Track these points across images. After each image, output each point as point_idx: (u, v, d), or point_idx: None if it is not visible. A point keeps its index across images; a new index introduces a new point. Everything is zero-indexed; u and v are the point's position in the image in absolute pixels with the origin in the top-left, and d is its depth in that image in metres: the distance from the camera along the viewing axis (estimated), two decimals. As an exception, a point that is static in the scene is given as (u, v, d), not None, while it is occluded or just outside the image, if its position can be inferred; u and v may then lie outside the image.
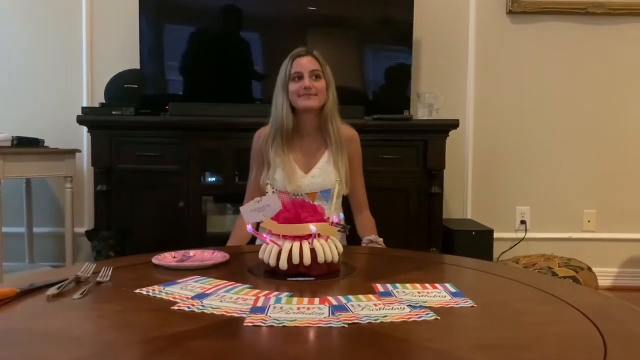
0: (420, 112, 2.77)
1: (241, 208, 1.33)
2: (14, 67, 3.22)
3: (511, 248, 3.27)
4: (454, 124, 2.69)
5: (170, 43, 3.00)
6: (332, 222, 1.29)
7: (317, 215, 1.28)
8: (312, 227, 1.22)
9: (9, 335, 0.84)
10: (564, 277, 2.75)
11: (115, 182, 2.65)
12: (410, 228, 2.69)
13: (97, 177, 2.66)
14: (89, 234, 2.52)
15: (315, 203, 1.37)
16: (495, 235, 2.95)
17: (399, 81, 2.97)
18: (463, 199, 3.32)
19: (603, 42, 3.28)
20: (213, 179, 2.69)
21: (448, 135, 2.72)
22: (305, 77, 1.83)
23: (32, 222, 3.12)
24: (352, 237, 1.89)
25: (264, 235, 1.25)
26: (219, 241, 2.59)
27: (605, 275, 3.30)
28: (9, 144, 2.71)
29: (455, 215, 3.28)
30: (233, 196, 2.66)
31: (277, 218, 1.28)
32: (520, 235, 3.31)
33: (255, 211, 1.31)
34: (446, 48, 3.26)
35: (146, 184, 2.66)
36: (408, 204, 2.69)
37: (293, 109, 1.87)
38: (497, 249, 3.15)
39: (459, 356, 0.77)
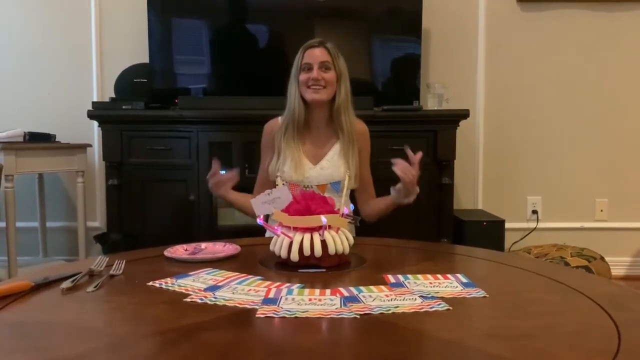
0: (430, 102, 2.76)
1: (252, 200, 1.34)
2: (24, 64, 3.24)
3: (523, 238, 3.25)
4: (464, 114, 2.68)
5: (178, 36, 3.01)
6: (343, 214, 1.29)
7: (327, 207, 1.28)
8: (323, 219, 1.22)
9: (23, 328, 0.85)
10: (577, 267, 2.74)
11: (126, 176, 2.67)
12: (420, 219, 2.68)
13: (109, 172, 2.67)
14: (99, 239, 2.53)
15: (326, 195, 1.37)
16: (507, 225, 2.94)
17: (409, 71, 2.95)
18: (474, 189, 3.30)
19: (615, 29, 3.24)
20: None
21: (458, 126, 2.71)
22: (314, 69, 1.83)
23: (45, 217, 3.15)
24: (361, 229, 1.89)
25: (275, 227, 1.26)
26: (230, 234, 2.61)
27: (619, 265, 3.28)
28: (21, 139, 2.73)
29: (467, 205, 3.27)
30: (243, 189, 2.67)
31: (287, 210, 1.28)
32: (532, 225, 3.29)
33: (265, 203, 1.32)
34: (456, 37, 3.23)
35: (157, 178, 2.68)
36: (418, 195, 2.67)
37: (304, 101, 1.87)
38: (509, 239, 3.13)
39: (470, 346, 0.77)
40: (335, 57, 1.86)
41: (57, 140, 2.92)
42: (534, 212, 3.30)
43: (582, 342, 0.78)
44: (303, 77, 1.85)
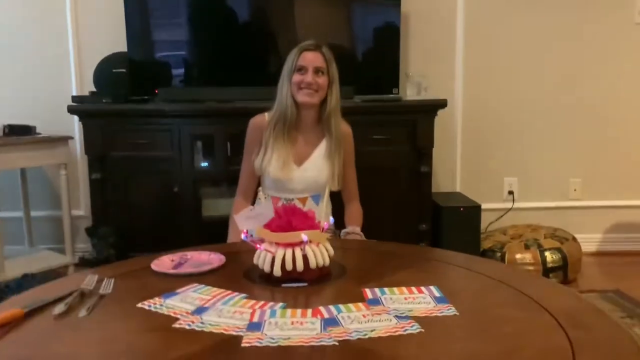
0: (409, 91, 2.80)
1: (235, 216, 1.38)
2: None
3: (498, 219, 3.36)
4: (442, 104, 2.73)
5: (157, 23, 2.98)
6: (323, 229, 1.34)
7: (308, 222, 1.33)
8: (304, 236, 1.28)
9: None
10: (550, 249, 2.86)
11: (109, 169, 2.69)
12: (400, 206, 2.77)
13: (91, 165, 2.69)
14: (88, 231, 2.57)
15: (306, 208, 1.43)
16: (484, 206, 3.04)
17: (388, 60, 2.97)
18: (452, 173, 3.38)
19: (591, 13, 3.29)
20: (206, 164, 2.73)
21: (437, 115, 2.76)
22: (308, 73, 1.86)
23: (29, 207, 3.17)
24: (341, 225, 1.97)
25: (258, 246, 1.31)
26: (214, 225, 2.65)
27: (590, 242, 3.41)
28: (0, 133, 2.72)
29: (445, 188, 3.35)
30: (226, 180, 2.71)
31: (270, 226, 1.33)
32: (508, 205, 3.39)
33: (249, 219, 1.37)
34: (435, 23, 3.26)
35: (140, 171, 2.71)
36: (398, 183, 2.75)
37: (295, 101, 1.90)
38: (486, 219, 3.23)
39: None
40: (330, 63, 1.90)
41: (37, 131, 2.91)
42: (510, 192, 3.40)
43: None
44: (297, 78, 1.87)
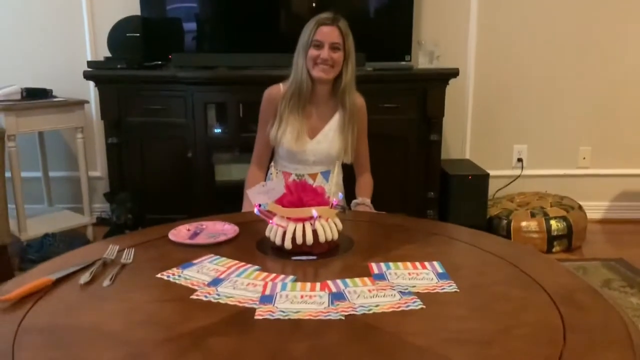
0: (421, 59, 2.80)
1: (247, 191, 1.44)
2: (15, 19, 3.22)
3: (506, 186, 3.40)
4: (454, 73, 2.73)
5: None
6: (332, 205, 1.40)
7: (318, 198, 1.39)
8: (314, 212, 1.34)
9: (50, 334, 0.98)
10: (556, 217, 2.91)
11: (124, 134, 2.75)
12: (408, 174, 2.81)
13: (107, 130, 2.75)
14: (107, 197, 2.65)
15: (316, 184, 1.48)
16: (493, 173, 3.08)
17: (400, 26, 2.96)
18: (462, 141, 3.40)
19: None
20: (218, 130, 2.78)
21: (448, 84, 2.77)
22: (325, 48, 1.86)
23: (47, 168, 3.25)
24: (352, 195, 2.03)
25: (270, 221, 1.37)
26: (226, 189, 2.73)
27: (597, 209, 3.46)
28: (18, 96, 2.78)
29: (454, 155, 3.39)
30: (238, 146, 2.77)
31: (281, 201, 1.39)
32: (517, 172, 3.42)
33: (261, 194, 1.43)
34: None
35: (155, 135, 2.77)
36: (407, 151, 2.79)
37: (310, 76, 1.91)
38: (494, 185, 3.28)
39: (435, 352, 0.91)
40: (346, 37, 1.89)
41: (54, 95, 2.97)
42: (519, 160, 3.43)
43: (530, 349, 0.92)
44: (313, 53, 1.88)
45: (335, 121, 1.97)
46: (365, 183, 2.07)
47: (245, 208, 1.98)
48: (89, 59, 3.03)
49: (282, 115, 1.94)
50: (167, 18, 2.99)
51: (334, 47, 1.87)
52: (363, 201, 1.97)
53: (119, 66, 2.71)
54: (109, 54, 2.96)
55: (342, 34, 1.88)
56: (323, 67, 1.87)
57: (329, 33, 1.87)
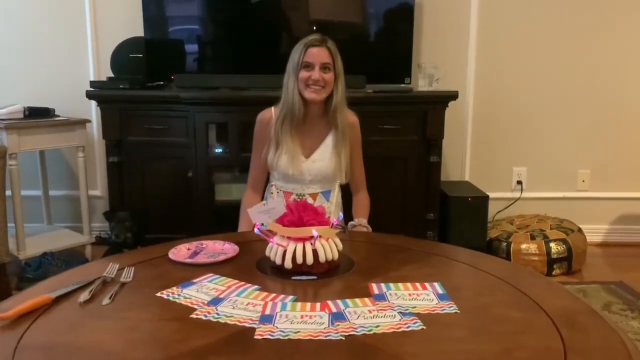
0: (421, 82, 2.83)
1: (248, 210, 1.44)
2: (19, 37, 3.25)
3: (506, 208, 3.40)
4: (453, 95, 2.76)
5: (173, 9, 3.01)
6: (332, 224, 1.40)
7: (319, 217, 1.40)
8: (314, 232, 1.34)
9: (49, 352, 0.98)
10: (555, 240, 2.90)
11: (125, 153, 2.77)
12: (408, 195, 2.82)
13: (109, 149, 2.76)
14: (106, 215, 2.66)
15: (317, 203, 1.48)
16: (492, 195, 3.08)
17: (401, 49, 2.99)
18: (461, 162, 3.42)
19: (602, 7, 3.28)
20: (219, 150, 2.79)
21: (447, 106, 2.79)
22: (315, 69, 1.88)
23: (48, 186, 3.25)
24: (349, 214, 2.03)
25: (270, 240, 1.38)
26: (226, 209, 2.73)
27: (596, 232, 3.45)
28: (21, 115, 2.80)
29: (454, 177, 3.40)
30: (238, 166, 2.78)
31: (281, 221, 1.39)
32: (517, 195, 3.43)
33: (261, 213, 1.43)
34: (448, 14, 3.26)
35: (156, 155, 2.78)
36: (407, 173, 2.80)
37: (302, 97, 1.93)
38: (494, 208, 3.28)
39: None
40: (335, 57, 1.91)
41: (56, 114, 2.98)
42: (519, 182, 3.44)
43: (531, 371, 0.92)
44: (303, 75, 1.90)
45: (330, 140, 1.98)
46: (361, 203, 2.07)
47: (241, 228, 1.98)
48: (92, 79, 3.06)
49: (277, 138, 1.96)
50: (170, 39, 3.03)
51: (324, 68, 1.89)
52: (359, 222, 1.97)
53: (121, 86, 2.74)
54: (111, 74, 2.99)
55: (331, 55, 1.90)
56: (315, 87, 1.89)
57: (318, 54, 1.88)
